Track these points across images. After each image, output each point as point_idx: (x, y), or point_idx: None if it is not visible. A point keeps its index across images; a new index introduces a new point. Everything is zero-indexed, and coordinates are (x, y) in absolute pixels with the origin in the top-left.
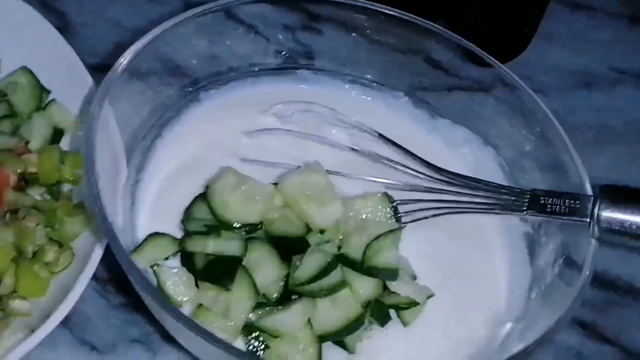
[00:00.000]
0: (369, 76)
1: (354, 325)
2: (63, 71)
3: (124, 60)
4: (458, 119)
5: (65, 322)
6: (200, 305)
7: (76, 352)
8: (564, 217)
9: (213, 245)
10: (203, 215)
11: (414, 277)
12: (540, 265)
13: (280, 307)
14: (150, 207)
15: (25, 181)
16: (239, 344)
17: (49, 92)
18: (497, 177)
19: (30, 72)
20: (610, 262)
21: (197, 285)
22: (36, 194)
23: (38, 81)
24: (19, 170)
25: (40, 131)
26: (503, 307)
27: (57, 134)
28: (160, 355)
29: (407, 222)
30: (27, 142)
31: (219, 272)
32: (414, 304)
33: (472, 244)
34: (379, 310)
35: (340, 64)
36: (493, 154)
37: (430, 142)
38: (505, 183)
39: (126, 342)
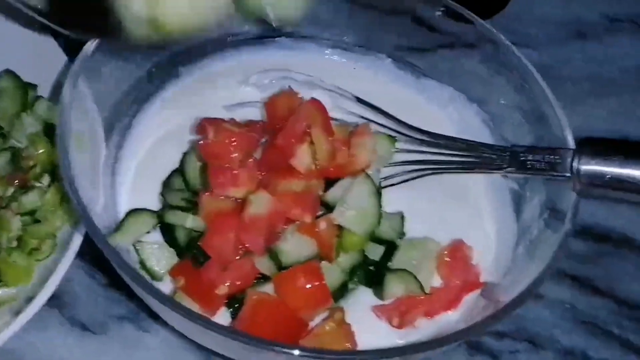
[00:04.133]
0: (351, 40)
1: None
2: (40, 54)
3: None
4: (443, 78)
5: (55, 303)
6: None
7: (67, 332)
8: (545, 173)
9: (192, 220)
10: (180, 187)
11: (404, 234)
12: (526, 220)
13: None
14: (131, 183)
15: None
16: (220, 317)
17: (35, 86)
18: (482, 133)
19: (12, 74)
20: (602, 215)
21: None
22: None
23: (21, 81)
24: None
25: (30, 130)
26: (490, 263)
27: (48, 128)
28: (150, 332)
29: (387, 185)
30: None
31: (198, 248)
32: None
33: (459, 202)
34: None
35: (322, 29)
36: (477, 110)
37: (415, 103)
38: (490, 139)
39: (115, 320)
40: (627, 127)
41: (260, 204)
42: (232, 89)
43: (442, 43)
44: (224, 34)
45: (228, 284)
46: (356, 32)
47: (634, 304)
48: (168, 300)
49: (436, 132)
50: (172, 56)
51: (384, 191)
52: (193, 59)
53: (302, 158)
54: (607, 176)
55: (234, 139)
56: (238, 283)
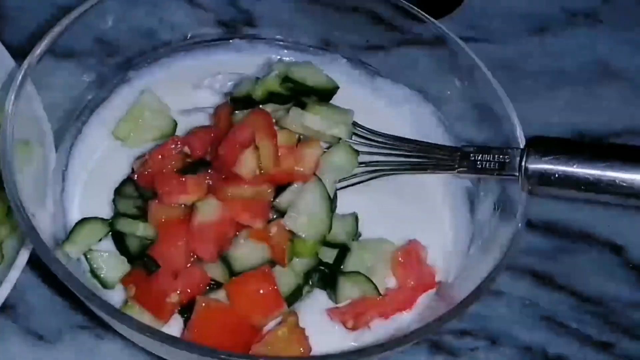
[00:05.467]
0: (306, 41)
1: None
2: None
3: (46, 41)
4: (398, 77)
5: (9, 313)
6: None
7: (22, 342)
8: (495, 173)
9: (143, 228)
10: (132, 194)
11: (359, 236)
12: (480, 219)
13: None
14: (82, 190)
15: None
16: (170, 328)
17: None
18: (437, 133)
19: None
20: (562, 211)
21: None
22: None
23: None
24: None
25: None
26: (445, 263)
27: None
28: (106, 339)
29: (342, 187)
30: None
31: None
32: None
33: (414, 202)
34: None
35: (277, 30)
36: (433, 110)
37: (371, 103)
38: (446, 139)
39: (72, 329)
40: (582, 120)
41: (209, 210)
42: (186, 93)
43: (398, 41)
44: (176, 37)
45: (179, 292)
46: (311, 32)
47: (594, 299)
48: (114, 312)
49: (391, 132)
50: (123, 61)
51: (338, 193)
52: (144, 63)
53: (246, 164)
54: (555, 175)
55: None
56: (189, 291)
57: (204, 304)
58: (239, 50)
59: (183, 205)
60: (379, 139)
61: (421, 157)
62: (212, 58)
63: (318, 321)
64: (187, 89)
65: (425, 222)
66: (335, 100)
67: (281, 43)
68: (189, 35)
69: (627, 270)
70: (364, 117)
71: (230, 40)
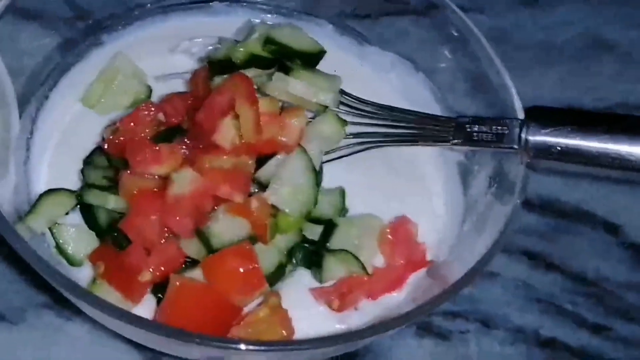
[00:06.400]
0: (291, 5)
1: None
2: None
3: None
4: (387, 45)
5: None
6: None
7: None
8: (492, 145)
9: (114, 201)
10: (103, 164)
11: (346, 211)
12: (474, 194)
13: None
14: (48, 160)
15: None
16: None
17: None
18: (428, 103)
19: None
20: (560, 189)
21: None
22: None
23: None
24: None
25: None
26: (437, 240)
27: None
28: (74, 320)
29: (328, 160)
30: None
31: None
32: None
33: (404, 176)
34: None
35: None
36: (423, 79)
37: (358, 70)
38: (437, 109)
39: (36, 308)
40: (575, 95)
41: (184, 182)
42: (161, 57)
43: (389, 10)
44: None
45: (152, 269)
46: None
47: (589, 280)
48: (80, 291)
49: (379, 101)
50: (95, 23)
51: (324, 165)
52: (118, 26)
53: (225, 133)
54: (557, 148)
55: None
56: (163, 268)
57: (178, 283)
58: (218, 13)
59: (157, 177)
60: (368, 109)
61: (413, 127)
62: (189, 21)
63: (302, 302)
64: (163, 53)
65: (416, 197)
66: (320, 66)
67: (264, 7)
68: None
69: (623, 250)
70: (351, 85)
71: (211, 3)
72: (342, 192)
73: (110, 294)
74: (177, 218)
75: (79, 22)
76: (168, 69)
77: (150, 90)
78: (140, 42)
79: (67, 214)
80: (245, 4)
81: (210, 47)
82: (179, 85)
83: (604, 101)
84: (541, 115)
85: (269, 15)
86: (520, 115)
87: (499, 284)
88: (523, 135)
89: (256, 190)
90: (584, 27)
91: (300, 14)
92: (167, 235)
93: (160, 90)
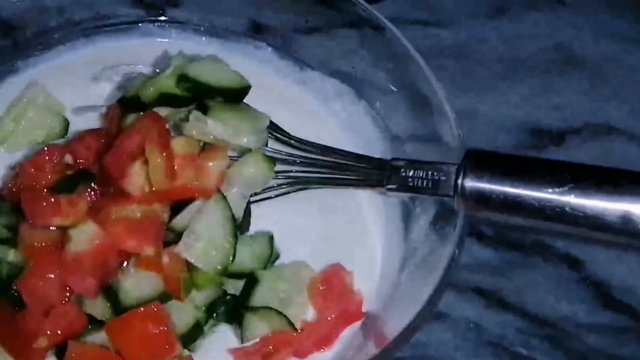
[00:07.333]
0: (227, 23)
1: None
2: None
3: None
4: (328, 69)
5: None
6: None
7: None
8: (427, 192)
9: (14, 255)
10: (6, 210)
11: (277, 257)
12: (414, 240)
13: None
14: None
15: None
16: None
17: None
18: (371, 132)
19: None
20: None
21: None
22: None
23: None
24: None
25: None
26: (374, 289)
27: None
28: None
29: (256, 200)
30: None
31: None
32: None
33: (341, 217)
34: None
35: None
36: (365, 106)
37: (299, 97)
38: (380, 139)
39: None
40: (539, 115)
41: (84, 239)
42: (83, 86)
43: (322, 27)
44: (73, 20)
45: (49, 334)
46: (242, 13)
47: (545, 320)
48: None
49: (320, 130)
50: (8, 48)
51: (252, 206)
52: (35, 52)
53: (135, 179)
54: (494, 196)
55: None
56: (59, 333)
57: (76, 351)
58: (148, 35)
59: (58, 229)
60: (301, 146)
61: (348, 167)
62: (115, 45)
63: None
64: (84, 82)
65: (354, 241)
66: (260, 93)
67: (199, 28)
68: (103, 16)
69: (585, 287)
70: (290, 113)
71: (140, 24)
72: (270, 239)
73: None
74: (77, 276)
75: None
76: (90, 99)
77: (67, 124)
78: (59, 69)
79: None
80: (177, 24)
81: (135, 75)
82: (100, 118)
83: (570, 122)
84: (481, 160)
85: (203, 39)
86: (458, 139)
87: (447, 325)
88: (459, 182)
89: (172, 239)
90: (551, 40)
91: (239, 36)
92: (68, 295)
93: (79, 124)
